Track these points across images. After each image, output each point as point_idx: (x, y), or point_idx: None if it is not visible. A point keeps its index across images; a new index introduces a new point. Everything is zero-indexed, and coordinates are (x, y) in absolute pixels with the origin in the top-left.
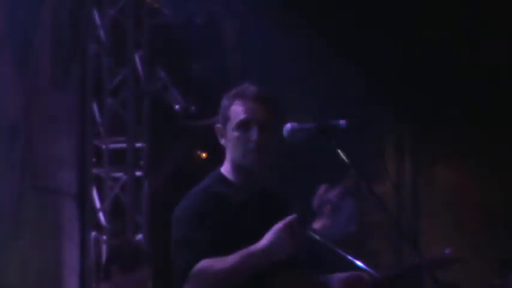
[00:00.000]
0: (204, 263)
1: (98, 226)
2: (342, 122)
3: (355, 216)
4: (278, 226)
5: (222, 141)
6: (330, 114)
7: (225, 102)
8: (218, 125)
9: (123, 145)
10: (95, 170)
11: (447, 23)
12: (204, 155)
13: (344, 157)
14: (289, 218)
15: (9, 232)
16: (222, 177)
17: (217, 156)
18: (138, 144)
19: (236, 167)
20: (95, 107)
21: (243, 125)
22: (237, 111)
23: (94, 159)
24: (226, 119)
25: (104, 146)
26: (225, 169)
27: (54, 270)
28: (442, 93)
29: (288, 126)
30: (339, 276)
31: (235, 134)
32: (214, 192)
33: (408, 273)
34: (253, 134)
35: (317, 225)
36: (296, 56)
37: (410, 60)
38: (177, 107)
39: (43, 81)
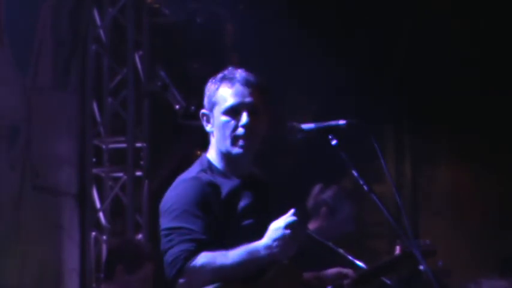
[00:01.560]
0: (204, 257)
1: (98, 226)
2: (342, 122)
3: (352, 218)
4: (278, 225)
5: (208, 128)
6: (330, 114)
7: (211, 86)
8: (203, 111)
9: (123, 145)
10: (95, 170)
11: (448, 21)
12: None
13: (344, 157)
14: (290, 218)
15: (9, 232)
16: (211, 166)
17: None
18: (138, 144)
19: (222, 155)
20: (95, 107)
21: (232, 110)
22: (225, 95)
23: (94, 159)
24: (213, 104)
25: (104, 146)
26: (212, 156)
27: (54, 270)
28: (442, 93)
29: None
30: (328, 270)
31: (224, 118)
32: (207, 181)
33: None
34: (243, 120)
35: (312, 226)
36: (296, 56)
37: (410, 59)
38: (177, 106)
39: (43, 81)
